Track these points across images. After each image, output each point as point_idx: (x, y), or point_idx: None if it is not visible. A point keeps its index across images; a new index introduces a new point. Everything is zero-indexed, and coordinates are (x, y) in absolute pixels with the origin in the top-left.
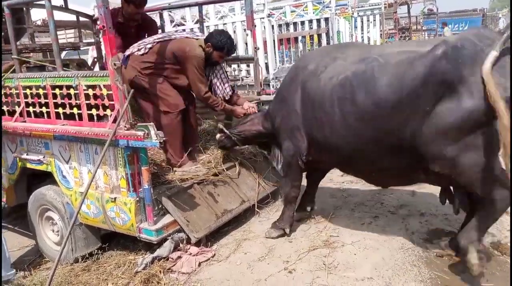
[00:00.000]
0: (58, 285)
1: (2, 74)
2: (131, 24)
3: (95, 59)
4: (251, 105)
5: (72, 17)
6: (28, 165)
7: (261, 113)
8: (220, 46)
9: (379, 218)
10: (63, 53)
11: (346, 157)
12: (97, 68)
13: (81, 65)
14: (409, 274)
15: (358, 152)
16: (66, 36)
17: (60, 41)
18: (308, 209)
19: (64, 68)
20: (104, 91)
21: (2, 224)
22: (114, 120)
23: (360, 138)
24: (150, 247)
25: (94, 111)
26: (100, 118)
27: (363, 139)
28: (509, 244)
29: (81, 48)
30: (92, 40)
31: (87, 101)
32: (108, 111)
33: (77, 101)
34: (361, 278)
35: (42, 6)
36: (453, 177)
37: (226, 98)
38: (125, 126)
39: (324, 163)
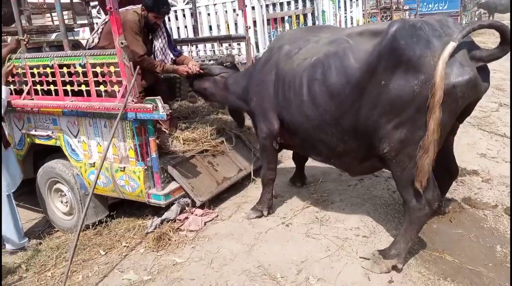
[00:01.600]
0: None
1: (9, 55)
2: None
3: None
4: (194, 63)
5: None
6: (37, 141)
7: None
8: (150, 6)
9: (364, 180)
10: (54, 35)
11: (310, 140)
12: None
13: (76, 46)
14: (390, 224)
15: (321, 134)
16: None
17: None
18: (298, 184)
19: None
20: (112, 69)
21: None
22: (122, 96)
23: (325, 119)
24: (156, 212)
25: (102, 88)
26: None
27: (327, 119)
28: (478, 199)
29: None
30: (85, 22)
31: (95, 79)
32: (115, 87)
33: (86, 79)
34: (349, 228)
35: None
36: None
37: (169, 62)
38: (133, 101)
39: (293, 146)
